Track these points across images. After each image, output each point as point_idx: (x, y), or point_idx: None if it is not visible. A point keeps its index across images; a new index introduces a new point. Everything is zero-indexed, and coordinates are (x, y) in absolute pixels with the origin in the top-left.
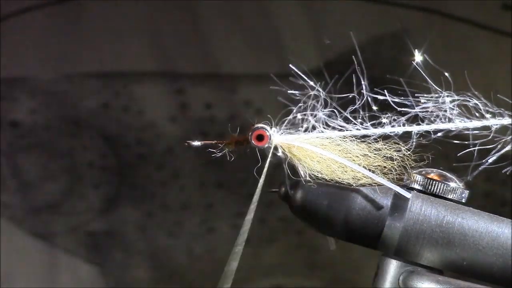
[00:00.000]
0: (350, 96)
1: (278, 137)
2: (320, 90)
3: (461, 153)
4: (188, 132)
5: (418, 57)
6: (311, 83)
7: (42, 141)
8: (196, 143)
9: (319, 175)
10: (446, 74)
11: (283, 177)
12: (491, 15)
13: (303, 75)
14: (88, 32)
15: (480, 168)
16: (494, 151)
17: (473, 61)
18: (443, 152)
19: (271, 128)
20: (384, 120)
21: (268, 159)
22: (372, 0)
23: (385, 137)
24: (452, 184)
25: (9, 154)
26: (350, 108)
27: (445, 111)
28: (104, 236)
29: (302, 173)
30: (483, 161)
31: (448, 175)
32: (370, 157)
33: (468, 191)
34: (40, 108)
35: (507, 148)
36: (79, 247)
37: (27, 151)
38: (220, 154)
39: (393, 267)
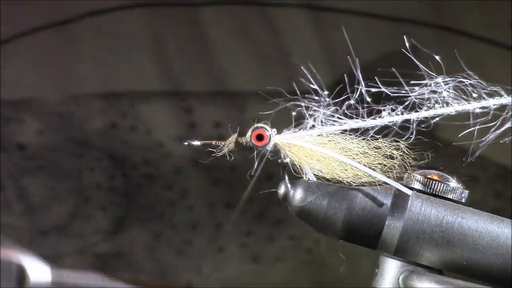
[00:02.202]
0: (347, 93)
1: (277, 137)
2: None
3: (462, 133)
4: (196, 152)
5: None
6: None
7: (49, 162)
8: (196, 142)
9: (319, 174)
10: (437, 57)
11: (282, 177)
12: (502, 32)
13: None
14: (93, 52)
15: (481, 145)
16: (493, 129)
17: (485, 78)
18: (443, 150)
19: (271, 128)
20: (383, 112)
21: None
22: (383, 16)
23: (385, 129)
24: (452, 184)
25: (16, 176)
26: (347, 103)
27: (442, 95)
28: (112, 257)
29: (302, 172)
30: (483, 138)
31: (448, 175)
32: (370, 155)
33: (468, 191)
34: (46, 130)
35: (507, 125)
36: (87, 269)
37: (33, 173)
38: (220, 154)
39: (393, 267)
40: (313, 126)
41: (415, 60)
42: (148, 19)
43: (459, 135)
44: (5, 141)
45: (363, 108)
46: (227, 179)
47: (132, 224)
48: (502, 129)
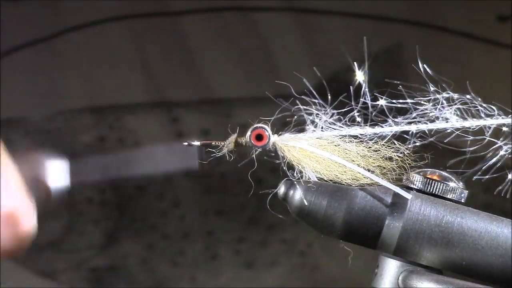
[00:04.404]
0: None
1: (277, 137)
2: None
3: (462, 159)
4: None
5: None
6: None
7: None
8: (196, 142)
9: (318, 175)
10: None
11: (282, 178)
12: (487, 27)
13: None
14: (78, 66)
15: (476, 176)
16: (488, 156)
17: (471, 74)
18: (442, 151)
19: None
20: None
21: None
22: (366, 16)
23: (384, 139)
24: (452, 184)
25: None
26: (349, 113)
27: (443, 108)
28: (107, 271)
29: (301, 173)
30: (476, 168)
31: (448, 175)
32: (369, 157)
33: (467, 191)
34: (35, 147)
35: (502, 153)
36: (83, 283)
37: None
38: (220, 154)
39: (392, 266)
40: (314, 127)
41: (414, 64)
42: (131, 31)
43: (462, 167)
44: None
45: (365, 117)
46: (218, 186)
47: (125, 237)
48: (497, 157)
